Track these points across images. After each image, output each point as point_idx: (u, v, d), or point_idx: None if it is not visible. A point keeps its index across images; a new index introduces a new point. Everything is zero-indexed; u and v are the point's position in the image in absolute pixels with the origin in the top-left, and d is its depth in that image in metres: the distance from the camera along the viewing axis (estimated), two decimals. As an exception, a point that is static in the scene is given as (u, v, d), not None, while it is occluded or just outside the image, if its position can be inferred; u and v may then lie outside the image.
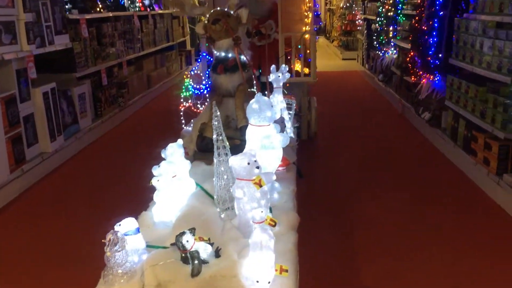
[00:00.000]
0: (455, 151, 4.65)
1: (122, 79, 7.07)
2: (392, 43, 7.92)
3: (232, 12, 3.32)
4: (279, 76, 4.21)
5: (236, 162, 2.25)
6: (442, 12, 4.95)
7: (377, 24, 8.86)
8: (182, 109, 5.23)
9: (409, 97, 6.44)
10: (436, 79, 5.20)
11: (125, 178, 4.50)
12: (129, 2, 7.84)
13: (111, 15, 6.63)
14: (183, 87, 5.33)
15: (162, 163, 2.47)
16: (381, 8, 8.59)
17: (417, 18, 5.72)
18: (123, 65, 7.11)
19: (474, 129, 4.18)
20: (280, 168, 3.20)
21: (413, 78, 5.95)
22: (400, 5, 7.64)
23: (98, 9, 6.25)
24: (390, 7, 8.04)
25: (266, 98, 2.65)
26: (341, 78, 10.44)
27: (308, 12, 5.83)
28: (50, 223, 3.69)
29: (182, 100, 5.30)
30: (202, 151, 3.22)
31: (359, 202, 3.90)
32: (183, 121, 5.05)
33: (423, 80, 5.54)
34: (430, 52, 5.11)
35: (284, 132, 4.00)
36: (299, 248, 2.20)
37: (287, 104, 4.62)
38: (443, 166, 4.70)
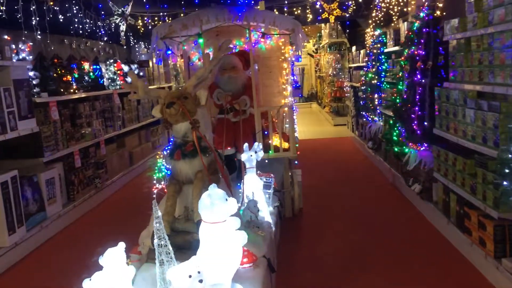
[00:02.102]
0: (449, 228, 4.27)
1: (100, 159, 6.80)
2: (378, 111, 7.75)
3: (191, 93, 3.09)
4: (251, 156, 3.93)
5: (175, 275, 1.89)
6: (422, 81, 4.77)
7: (362, 92, 8.76)
8: (155, 191, 4.91)
9: (399, 166, 6.14)
10: (422, 149, 4.91)
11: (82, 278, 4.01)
12: (109, 80, 7.74)
13: (84, 95, 6.45)
14: (156, 168, 5.04)
15: (94, 276, 2.10)
16: (365, 76, 8.53)
17: (397, 88, 5.56)
18: (100, 144, 6.86)
19: (466, 205, 3.83)
20: (246, 266, 2.83)
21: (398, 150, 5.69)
22: (383, 73, 7.55)
23: (72, 90, 6.09)
24: (373, 75, 7.96)
25: (220, 191, 2.34)
26: (332, 145, 10.19)
27: (286, 85, 5.67)
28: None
29: (154, 181, 5.00)
30: (158, 249, 2.85)
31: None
32: (155, 205, 4.70)
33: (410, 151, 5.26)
34: (414, 122, 4.86)
35: (259, 213, 3.64)
36: None
37: (264, 182, 4.30)
38: (438, 245, 4.28)
